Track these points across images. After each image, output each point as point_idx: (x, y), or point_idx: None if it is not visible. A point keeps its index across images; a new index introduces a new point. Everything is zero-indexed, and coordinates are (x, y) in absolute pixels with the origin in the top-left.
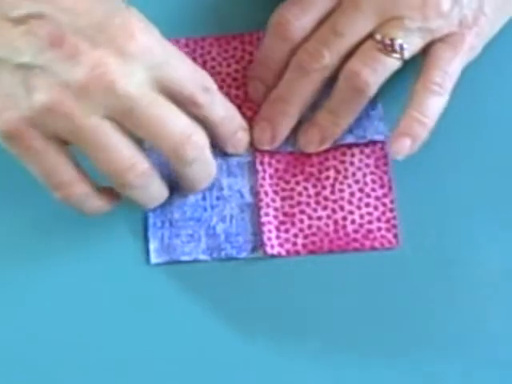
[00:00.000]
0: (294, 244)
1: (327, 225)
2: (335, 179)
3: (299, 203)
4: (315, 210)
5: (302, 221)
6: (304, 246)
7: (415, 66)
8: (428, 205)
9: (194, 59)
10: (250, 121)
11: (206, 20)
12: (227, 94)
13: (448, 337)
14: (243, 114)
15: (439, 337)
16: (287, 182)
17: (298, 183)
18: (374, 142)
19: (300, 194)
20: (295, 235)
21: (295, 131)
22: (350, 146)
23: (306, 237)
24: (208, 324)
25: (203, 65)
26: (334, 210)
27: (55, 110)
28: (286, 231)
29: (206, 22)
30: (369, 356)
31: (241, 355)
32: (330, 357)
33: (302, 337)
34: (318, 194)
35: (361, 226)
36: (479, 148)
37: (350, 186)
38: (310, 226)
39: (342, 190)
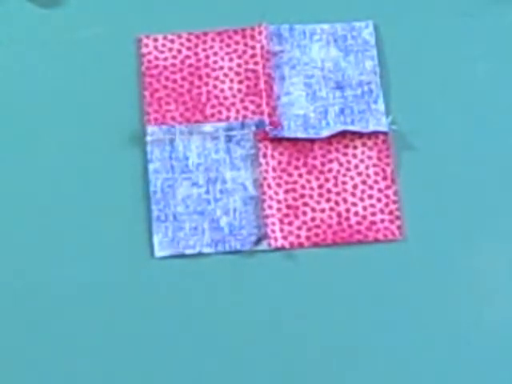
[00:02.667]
0: (298, 236)
1: (330, 217)
2: (338, 171)
3: (302, 196)
4: (318, 203)
5: (305, 213)
6: (307, 238)
7: (416, 64)
8: (431, 196)
9: (196, 54)
10: (253, 114)
11: (207, 14)
12: (230, 89)
13: (450, 329)
14: (246, 108)
15: (441, 326)
16: (290, 175)
17: (300, 176)
18: (377, 135)
19: (303, 186)
20: (299, 228)
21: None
22: (352, 138)
23: (309, 229)
24: (212, 316)
25: (206, 59)
26: (337, 203)
27: None
28: (290, 224)
29: (207, 17)
30: (370, 346)
31: (245, 346)
32: (333, 347)
33: (305, 327)
34: (320, 186)
35: (364, 217)
36: (482, 141)
37: (352, 178)
38: (313, 219)
39: (344, 183)
